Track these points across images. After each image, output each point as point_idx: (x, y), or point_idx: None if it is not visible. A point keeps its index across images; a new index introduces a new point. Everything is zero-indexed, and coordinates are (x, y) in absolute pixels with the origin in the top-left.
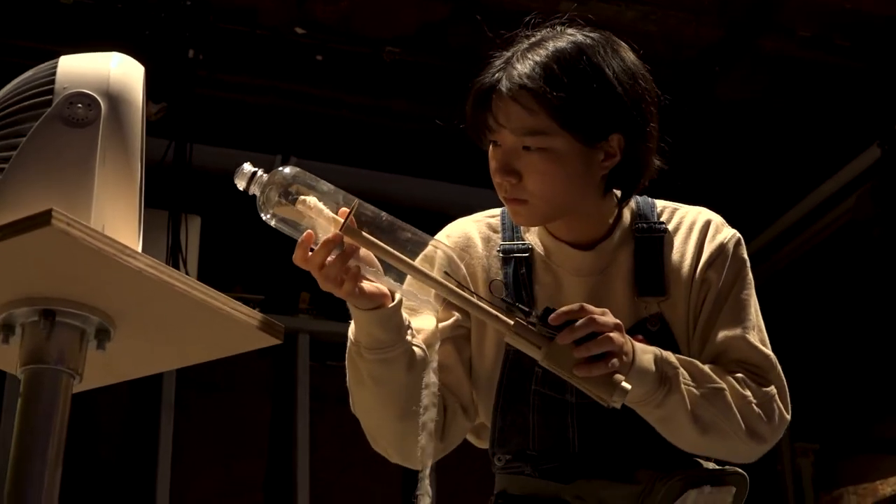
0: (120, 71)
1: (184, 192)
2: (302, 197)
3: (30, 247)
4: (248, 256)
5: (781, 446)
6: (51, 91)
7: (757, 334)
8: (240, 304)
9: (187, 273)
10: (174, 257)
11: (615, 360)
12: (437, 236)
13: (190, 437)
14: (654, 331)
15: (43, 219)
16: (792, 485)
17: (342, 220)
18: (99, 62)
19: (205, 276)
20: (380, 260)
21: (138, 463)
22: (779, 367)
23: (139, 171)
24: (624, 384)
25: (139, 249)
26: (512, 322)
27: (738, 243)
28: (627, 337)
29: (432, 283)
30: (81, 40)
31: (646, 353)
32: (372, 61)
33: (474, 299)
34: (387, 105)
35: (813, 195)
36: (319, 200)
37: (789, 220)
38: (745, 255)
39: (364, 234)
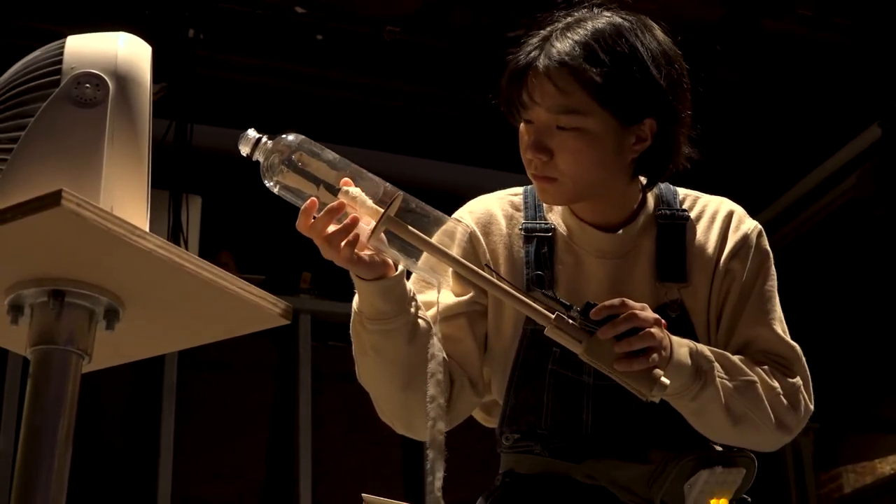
0: (127, 50)
1: (184, 173)
2: (345, 188)
3: (39, 227)
4: (248, 236)
5: None
6: (58, 71)
7: (780, 325)
8: (249, 284)
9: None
10: (175, 237)
11: (655, 356)
12: (459, 212)
13: (192, 417)
14: (673, 317)
15: (53, 199)
16: (793, 463)
17: (382, 211)
18: (106, 42)
19: (205, 256)
20: (387, 233)
21: (141, 442)
22: (803, 359)
23: (147, 151)
24: (663, 379)
25: (147, 229)
26: (553, 316)
27: (760, 234)
28: (666, 331)
29: (472, 274)
30: (82, 20)
31: (682, 347)
32: (372, 41)
33: (515, 292)
34: (387, 85)
35: (813, 174)
36: (312, 158)
37: (790, 199)
38: (768, 247)
39: (409, 227)
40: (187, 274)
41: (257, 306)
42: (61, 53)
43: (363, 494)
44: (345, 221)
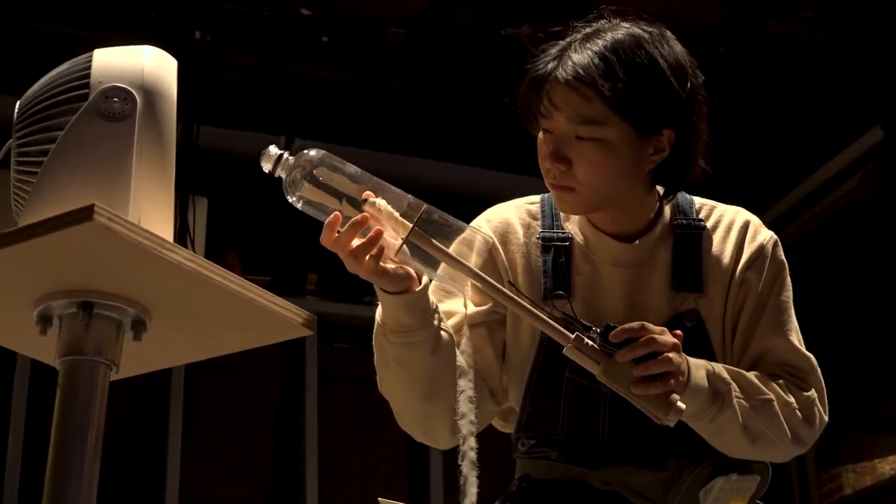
0: (153, 64)
1: (191, 174)
2: (371, 199)
3: (71, 241)
4: (255, 237)
5: None
6: (87, 85)
7: (796, 336)
8: (273, 295)
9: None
10: (181, 238)
11: (672, 381)
12: (476, 220)
13: (199, 419)
14: (689, 326)
15: (85, 214)
16: (795, 464)
17: (409, 225)
18: (133, 56)
19: (211, 257)
20: (408, 244)
21: (148, 444)
22: (818, 370)
23: (173, 163)
24: (679, 404)
25: (173, 240)
26: (573, 336)
27: (776, 245)
28: (684, 355)
29: (494, 290)
30: (89, 23)
31: (699, 370)
32: (377, 42)
33: (535, 310)
34: (392, 86)
35: (816, 176)
36: (334, 173)
37: (792, 200)
38: (784, 258)
39: (433, 241)
40: (214, 286)
41: (282, 317)
42: (89, 67)
43: (380, 499)
44: (369, 235)
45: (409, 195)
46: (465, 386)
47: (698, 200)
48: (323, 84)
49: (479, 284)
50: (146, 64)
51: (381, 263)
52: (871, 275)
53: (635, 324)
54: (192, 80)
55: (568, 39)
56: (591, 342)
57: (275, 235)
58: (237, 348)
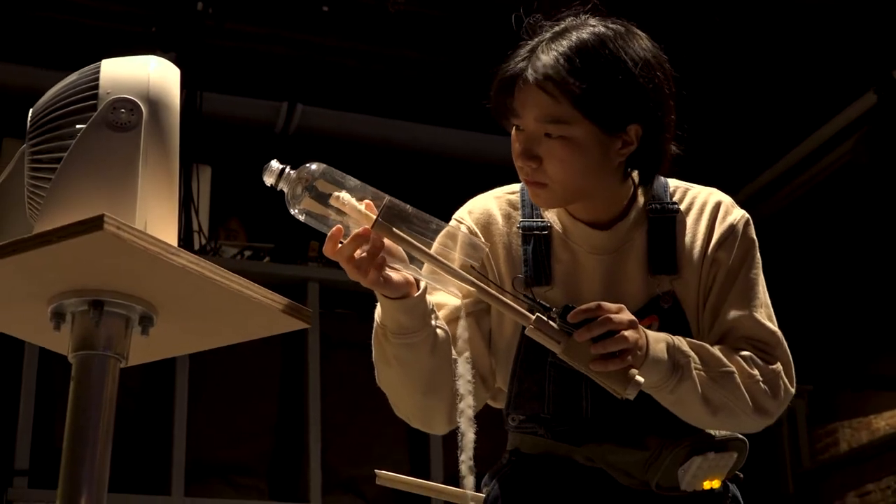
0: (158, 75)
1: (195, 142)
2: (335, 194)
3: (82, 247)
4: (258, 205)
5: None
6: (95, 96)
7: (765, 311)
8: (272, 293)
9: (199, 223)
10: (186, 207)
11: (629, 357)
12: (459, 212)
13: (205, 384)
14: (666, 308)
15: (95, 224)
16: (787, 425)
17: (373, 216)
18: (138, 67)
19: (215, 224)
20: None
21: (155, 410)
22: (784, 344)
23: (177, 170)
24: (638, 378)
25: (176, 243)
26: (533, 317)
27: (747, 224)
28: (642, 330)
29: (457, 277)
30: None
31: (658, 343)
32: (376, 11)
33: (496, 293)
34: (390, 53)
35: (812, 138)
36: (334, 187)
37: (788, 163)
38: (754, 236)
39: (394, 229)
40: (216, 286)
41: (280, 312)
42: (97, 79)
43: (376, 470)
44: (370, 246)
45: (409, 206)
46: (463, 348)
47: (673, 183)
48: (323, 51)
49: (438, 268)
50: (151, 75)
51: (384, 273)
52: (863, 235)
53: (592, 304)
54: (196, 48)
55: (537, 39)
56: (552, 322)
57: (278, 203)
58: (239, 339)
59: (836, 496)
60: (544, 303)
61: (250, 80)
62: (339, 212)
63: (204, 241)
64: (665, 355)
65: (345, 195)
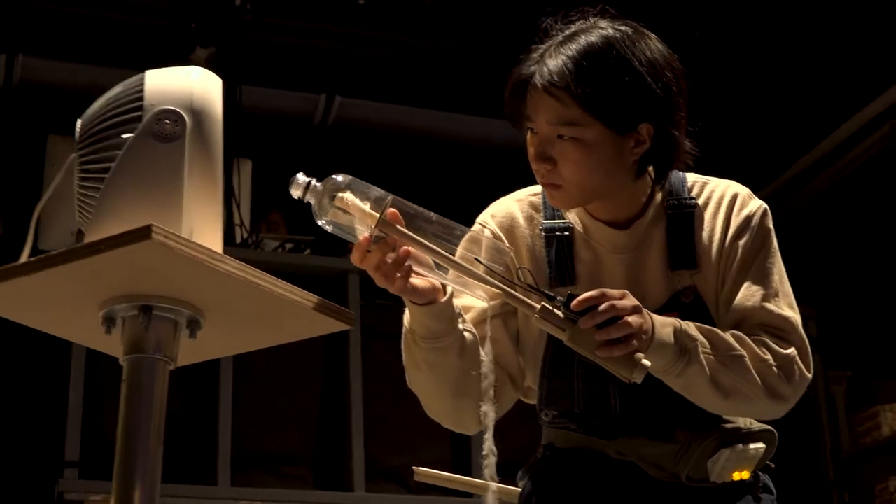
0: (200, 86)
1: (235, 136)
2: (339, 195)
3: (132, 255)
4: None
5: (816, 375)
6: (140, 108)
7: (782, 299)
8: (315, 296)
9: (241, 216)
10: (227, 202)
11: (634, 341)
12: (482, 216)
13: (249, 376)
14: (687, 303)
15: (144, 233)
16: (826, 412)
17: (377, 215)
18: (181, 79)
19: (256, 218)
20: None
21: (201, 402)
22: (800, 329)
23: (220, 177)
24: (644, 362)
25: (221, 249)
26: (538, 307)
27: (763, 214)
28: (647, 314)
29: (465, 272)
30: None
31: (665, 328)
32: (412, 3)
33: (502, 285)
34: (426, 44)
35: (849, 123)
36: (357, 197)
37: (826, 148)
38: (770, 225)
39: (398, 226)
40: (261, 290)
41: (322, 315)
42: (142, 90)
43: (414, 468)
44: (397, 255)
45: (420, 207)
46: (488, 369)
47: (691, 178)
48: (360, 43)
49: (443, 262)
50: (194, 86)
51: (411, 280)
52: None
53: (595, 291)
54: (234, 42)
55: (548, 43)
56: (556, 311)
57: None
58: (283, 341)
59: (878, 479)
60: (549, 292)
61: (288, 72)
62: (345, 212)
63: (245, 235)
64: (672, 339)
65: (348, 195)
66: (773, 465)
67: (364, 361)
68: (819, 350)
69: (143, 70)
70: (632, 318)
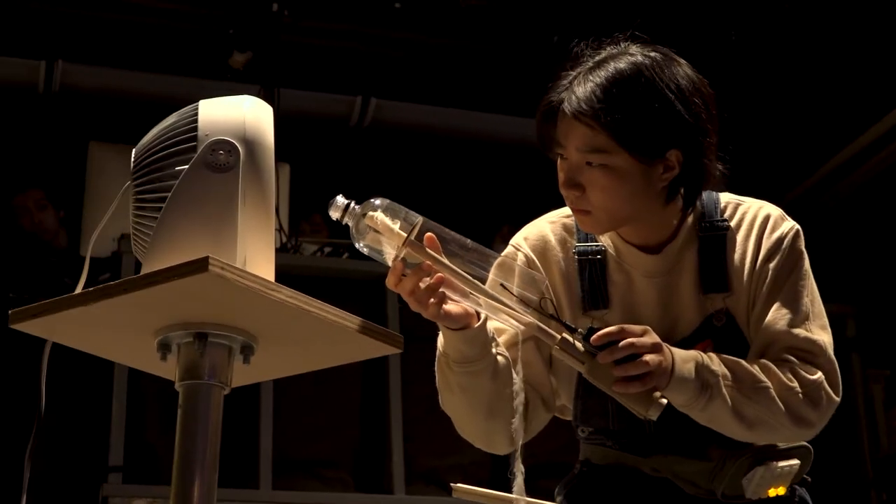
0: (252, 116)
1: (274, 140)
2: (370, 213)
3: (188, 286)
4: None
5: (854, 374)
6: (194, 138)
7: (813, 321)
8: (366, 321)
9: (279, 221)
10: None
11: (651, 380)
12: (515, 238)
13: (290, 382)
14: (719, 326)
15: (201, 265)
16: (864, 410)
17: (405, 235)
18: (234, 109)
19: (296, 221)
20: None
21: (243, 407)
22: (829, 352)
23: (273, 206)
24: (661, 400)
25: (273, 277)
26: (558, 338)
27: (795, 236)
28: (668, 350)
29: (492, 298)
30: None
31: (686, 363)
32: (448, 6)
33: (522, 315)
34: (462, 47)
35: (890, 116)
36: (389, 218)
37: (864, 143)
38: (802, 247)
39: (426, 248)
40: (313, 317)
41: (373, 340)
42: (195, 120)
43: (451, 484)
44: (432, 281)
45: (451, 231)
46: (518, 387)
47: (724, 198)
48: (396, 46)
49: (472, 291)
50: (246, 115)
51: (444, 306)
52: None
53: (614, 328)
54: (272, 46)
55: (577, 70)
56: (577, 343)
57: (357, 199)
58: (334, 363)
59: None
60: (570, 324)
61: (324, 75)
62: (376, 231)
63: (284, 239)
64: (693, 374)
65: (379, 214)
66: (809, 479)
67: (402, 365)
68: (857, 348)
69: (181, 75)
70: (650, 357)
